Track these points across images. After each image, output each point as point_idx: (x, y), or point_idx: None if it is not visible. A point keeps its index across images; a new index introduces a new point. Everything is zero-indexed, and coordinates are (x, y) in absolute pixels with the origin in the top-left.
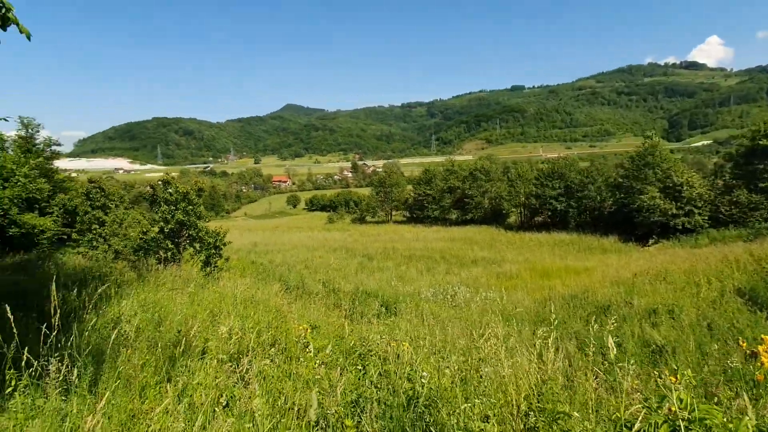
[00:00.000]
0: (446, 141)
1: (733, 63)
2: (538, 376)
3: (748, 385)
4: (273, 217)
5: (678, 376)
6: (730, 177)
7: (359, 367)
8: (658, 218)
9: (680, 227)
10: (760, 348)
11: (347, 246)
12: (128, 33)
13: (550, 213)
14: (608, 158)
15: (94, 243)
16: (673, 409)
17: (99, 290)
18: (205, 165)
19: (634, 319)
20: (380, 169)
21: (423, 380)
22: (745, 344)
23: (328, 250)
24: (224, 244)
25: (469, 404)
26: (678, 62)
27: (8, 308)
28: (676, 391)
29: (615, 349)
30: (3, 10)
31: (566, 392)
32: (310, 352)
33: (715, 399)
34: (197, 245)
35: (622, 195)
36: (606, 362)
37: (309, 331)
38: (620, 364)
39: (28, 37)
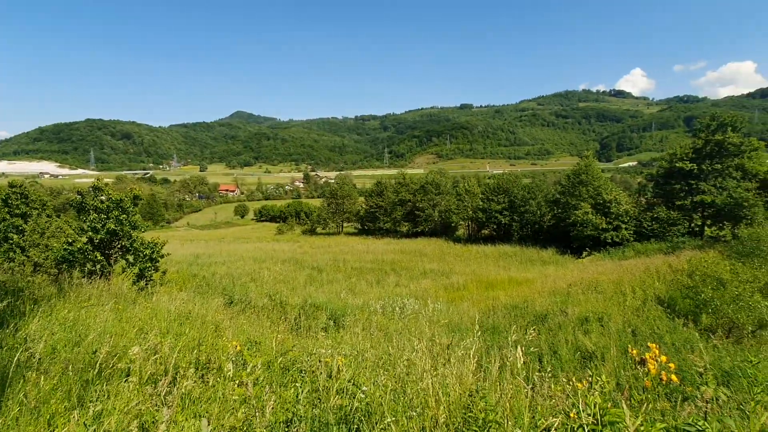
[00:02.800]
0: (399, 154)
1: (655, 93)
2: (458, 389)
3: (638, 390)
4: (219, 228)
5: (592, 381)
6: (651, 195)
7: (298, 384)
8: (590, 232)
9: (609, 241)
10: (647, 356)
11: (297, 258)
12: (60, 30)
13: (495, 226)
14: (548, 175)
15: (11, 254)
16: (587, 413)
17: (2, 305)
18: (145, 171)
19: (569, 327)
20: (332, 181)
21: (362, 395)
22: (635, 351)
23: (276, 261)
24: (161, 256)
25: (391, 419)
26: (607, 90)
27: None
28: (591, 396)
29: (522, 359)
30: None
31: (502, 400)
32: (230, 370)
33: (627, 402)
34: (131, 257)
35: (560, 210)
36: (542, 370)
37: (244, 347)
38: (543, 371)
39: None
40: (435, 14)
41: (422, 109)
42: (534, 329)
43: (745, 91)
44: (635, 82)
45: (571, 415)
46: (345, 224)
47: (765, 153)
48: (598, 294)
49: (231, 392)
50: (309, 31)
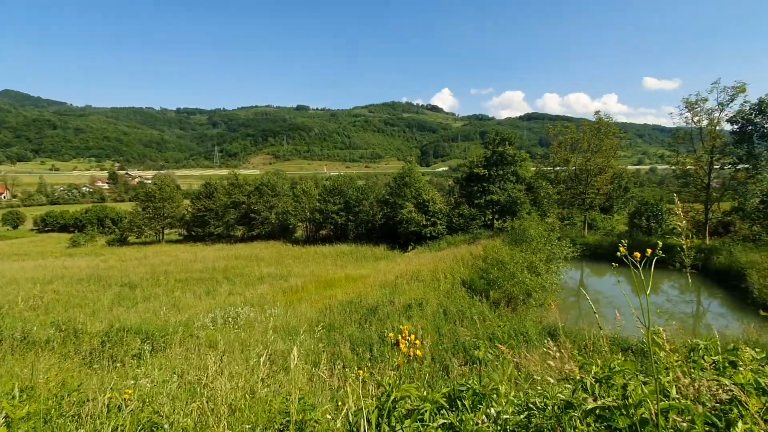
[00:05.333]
0: (231, 153)
1: (460, 110)
2: (242, 389)
3: (394, 368)
4: None
5: (390, 362)
6: (458, 195)
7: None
8: (414, 228)
9: (429, 235)
10: (400, 337)
11: (100, 274)
12: None
13: (332, 226)
14: (379, 177)
15: None
16: (383, 390)
17: None
18: None
19: (395, 315)
20: (149, 181)
21: (167, 426)
22: (392, 335)
23: (70, 281)
24: None
25: None
26: (424, 104)
27: None
28: (388, 377)
29: (297, 359)
30: None
31: (327, 393)
32: None
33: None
34: None
35: (389, 209)
36: (371, 359)
37: (5, 397)
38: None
39: None
40: (270, 12)
41: (257, 107)
42: (320, 327)
43: (518, 114)
44: (445, 100)
45: (351, 399)
46: (167, 231)
47: (530, 163)
48: (419, 282)
49: None
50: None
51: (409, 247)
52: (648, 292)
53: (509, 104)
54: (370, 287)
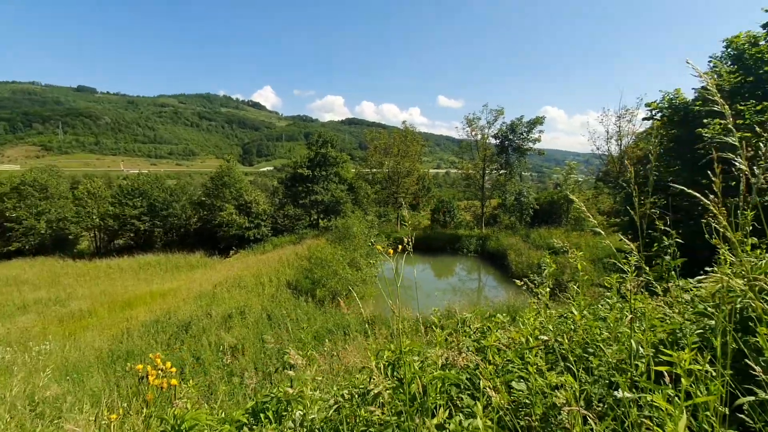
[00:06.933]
0: None
1: (283, 109)
2: None
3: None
4: None
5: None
6: (283, 196)
7: None
8: (235, 231)
9: (252, 238)
10: (149, 368)
11: None
12: None
13: (133, 234)
14: (194, 177)
15: None
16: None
17: None
18: None
19: (212, 328)
20: None
21: None
22: (140, 367)
23: None
24: None
25: None
26: (245, 100)
27: None
28: (179, 407)
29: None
30: None
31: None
32: None
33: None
34: None
35: (206, 212)
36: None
37: None
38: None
39: None
40: None
41: (15, 82)
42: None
43: (339, 118)
44: (267, 97)
45: None
46: None
47: (351, 164)
48: (242, 289)
49: None
50: None
51: (231, 252)
52: (400, 279)
53: (331, 108)
54: (182, 301)
